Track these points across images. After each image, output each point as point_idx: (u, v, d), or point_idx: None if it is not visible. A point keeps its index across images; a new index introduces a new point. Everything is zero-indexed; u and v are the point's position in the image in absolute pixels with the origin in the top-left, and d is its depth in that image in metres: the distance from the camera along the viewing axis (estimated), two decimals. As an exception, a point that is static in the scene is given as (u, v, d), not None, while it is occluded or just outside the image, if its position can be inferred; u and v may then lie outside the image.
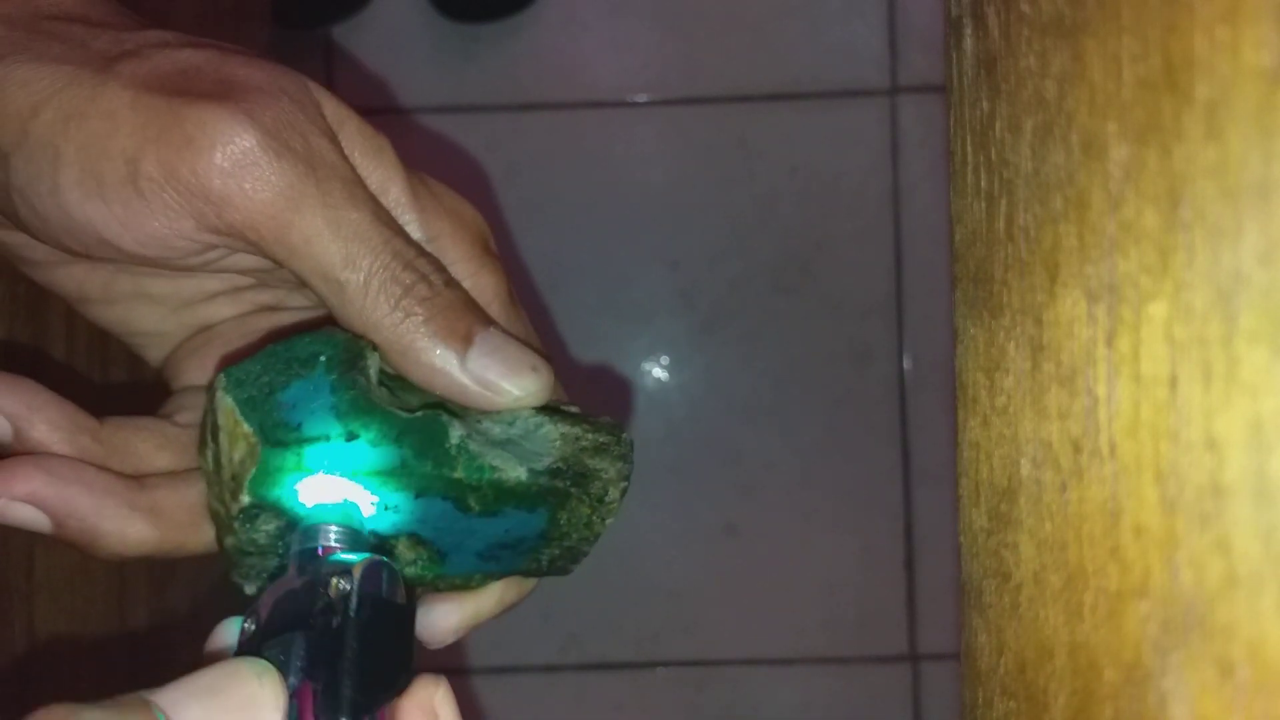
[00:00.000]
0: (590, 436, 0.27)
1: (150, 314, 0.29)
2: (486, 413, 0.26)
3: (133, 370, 0.53)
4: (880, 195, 0.99)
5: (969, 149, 0.27)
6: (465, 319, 0.26)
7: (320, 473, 0.25)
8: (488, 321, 0.26)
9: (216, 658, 0.24)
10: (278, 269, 0.26)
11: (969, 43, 0.27)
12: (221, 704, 0.20)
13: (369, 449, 0.25)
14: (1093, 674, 0.20)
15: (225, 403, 0.25)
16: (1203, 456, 0.16)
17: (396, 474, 0.25)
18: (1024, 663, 0.24)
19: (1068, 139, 0.20)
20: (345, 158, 0.25)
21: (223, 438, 0.25)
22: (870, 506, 0.99)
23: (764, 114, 1.00)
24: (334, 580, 0.23)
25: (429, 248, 0.26)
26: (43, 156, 0.23)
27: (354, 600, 0.23)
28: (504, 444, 0.26)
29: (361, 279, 0.24)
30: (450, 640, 0.28)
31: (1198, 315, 0.16)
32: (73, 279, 0.28)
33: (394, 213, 0.26)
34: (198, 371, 0.29)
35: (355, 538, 0.25)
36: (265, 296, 0.29)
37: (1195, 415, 0.16)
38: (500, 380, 0.26)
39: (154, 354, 0.30)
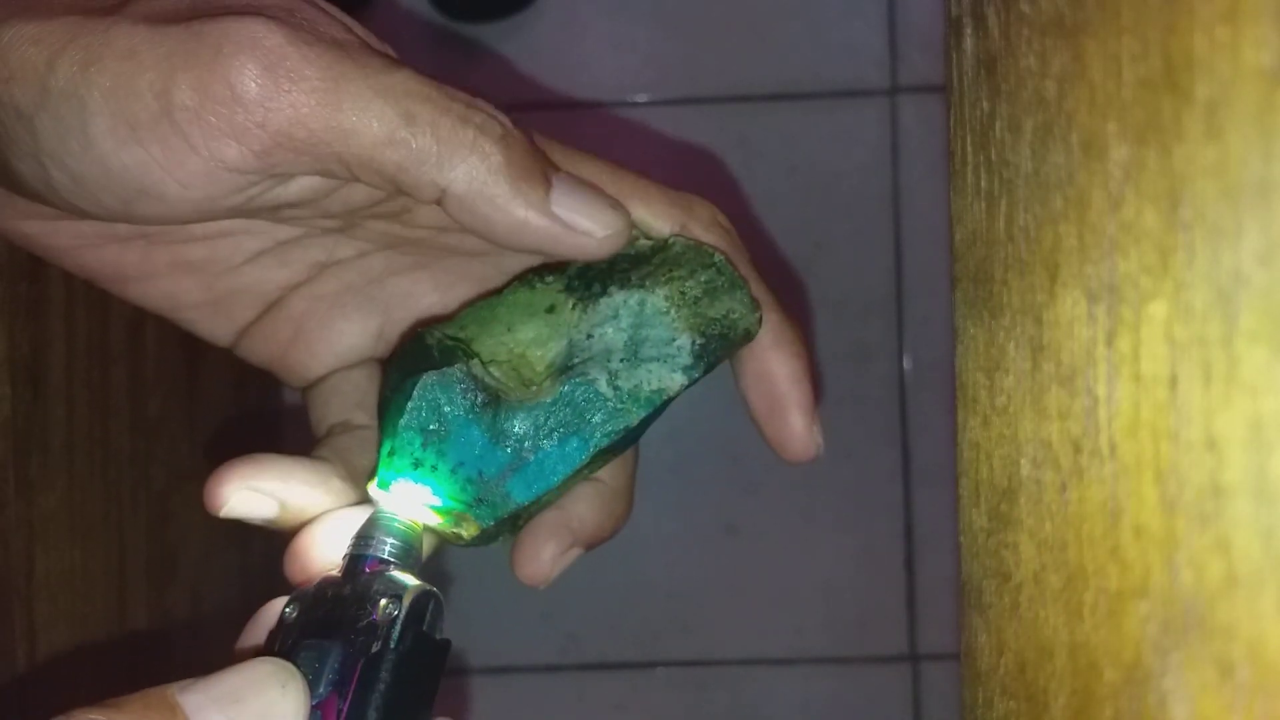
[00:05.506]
0: (689, 285, 0.27)
1: (194, 285, 0.28)
2: (595, 326, 0.26)
3: (134, 369, 0.53)
4: (880, 195, 0.99)
5: (969, 149, 0.27)
6: (539, 161, 0.25)
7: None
8: (554, 165, 0.25)
9: (255, 637, 0.25)
10: (323, 198, 0.25)
11: (969, 43, 0.27)
12: (241, 711, 0.21)
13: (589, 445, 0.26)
14: (1093, 674, 0.20)
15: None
16: (1203, 456, 0.16)
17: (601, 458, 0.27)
18: (1024, 663, 0.24)
19: (1068, 139, 0.20)
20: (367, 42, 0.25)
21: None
22: (870, 506, 0.99)
23: (764, 114, 1.00)
24: (383, 602, 0.23)
25: None
26: (68, 110, 0.22)
27: (398, 629, 0.23)
28: (639, 360, 0.26)
29: (428, 130, 0.23)
30: (553, 574, 0.28)
31: (1198, 315, 0.16)
32: (106, 260, 0.27)
33: None
34: (308, 362, 0.29)
35: (410, 555, 0.25)
36: (314, 253, 0.28)
37: (1195, 415, 0.16)
38: (585, 220, 0.25)
39: (206, 328, 0.29)
